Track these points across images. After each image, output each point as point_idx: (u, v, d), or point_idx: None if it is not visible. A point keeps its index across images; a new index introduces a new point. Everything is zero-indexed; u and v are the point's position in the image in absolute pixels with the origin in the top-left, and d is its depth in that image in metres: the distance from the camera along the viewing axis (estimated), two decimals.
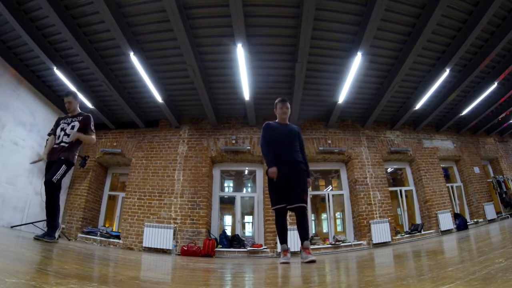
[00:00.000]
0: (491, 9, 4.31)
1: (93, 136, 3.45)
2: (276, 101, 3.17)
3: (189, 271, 1.89)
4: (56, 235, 3.13)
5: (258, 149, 6.95)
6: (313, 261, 2.46)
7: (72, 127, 3.34)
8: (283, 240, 2.83)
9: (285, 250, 2.76)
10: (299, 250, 2.76)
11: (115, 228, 7.08)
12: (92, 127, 3.43)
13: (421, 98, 6.46)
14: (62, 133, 3.32)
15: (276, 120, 3.17)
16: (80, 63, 5.52)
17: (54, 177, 3.05)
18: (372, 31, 4.62)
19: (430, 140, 7.93)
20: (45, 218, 3.15)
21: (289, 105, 3.17)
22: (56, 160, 3.18)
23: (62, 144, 3.27)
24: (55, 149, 3.27)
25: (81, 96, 6.12)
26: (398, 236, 6.58)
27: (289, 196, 2.77)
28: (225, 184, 8.70)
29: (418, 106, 6.76)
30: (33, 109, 5.92)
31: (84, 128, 3.36)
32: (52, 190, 3.07)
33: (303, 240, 2.66)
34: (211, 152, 6.92)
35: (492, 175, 8.46)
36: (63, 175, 3.17)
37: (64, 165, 3.17)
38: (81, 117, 3.42)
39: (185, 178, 6.65)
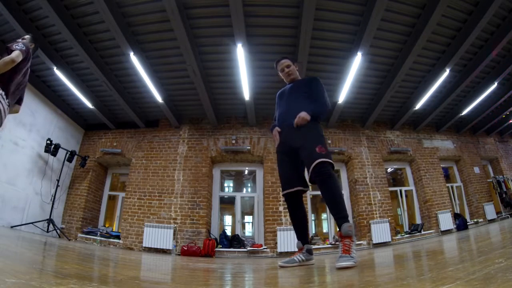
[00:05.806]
0: (491, 9, 4.31)
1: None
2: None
3: (189, 271, 1.89)
4: None
5: (258, 149, 6.95)
6: (348, 267, 1.49)
7: None
8: (297, 235, 2.16)
9: (299, 249, 2.12)
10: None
11: (115, 228, 7.08)
12: None
13: (421, 98, 6.47)
14: None
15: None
16: (80, 63, 5.52)
17: None
18: (372, 31, 4.62)
19: (430, 140, 7.93)
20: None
21: (287, 61, 2.56)
22: None
23: None
24: None
25: (81, 96, 6.14)
26: (398, 236, 6.58)
27: (300, 164, 2.12)
28: (225, 184, 8.72)
29: (418, 106, 6.76)
30: (33, 109, 5.91)
31: None
32: None
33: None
34: (211, 152, 6.92)
35: (492, 175, 8.46)
36: None
37: None
38: None
39: (185, 178, 6.65)
